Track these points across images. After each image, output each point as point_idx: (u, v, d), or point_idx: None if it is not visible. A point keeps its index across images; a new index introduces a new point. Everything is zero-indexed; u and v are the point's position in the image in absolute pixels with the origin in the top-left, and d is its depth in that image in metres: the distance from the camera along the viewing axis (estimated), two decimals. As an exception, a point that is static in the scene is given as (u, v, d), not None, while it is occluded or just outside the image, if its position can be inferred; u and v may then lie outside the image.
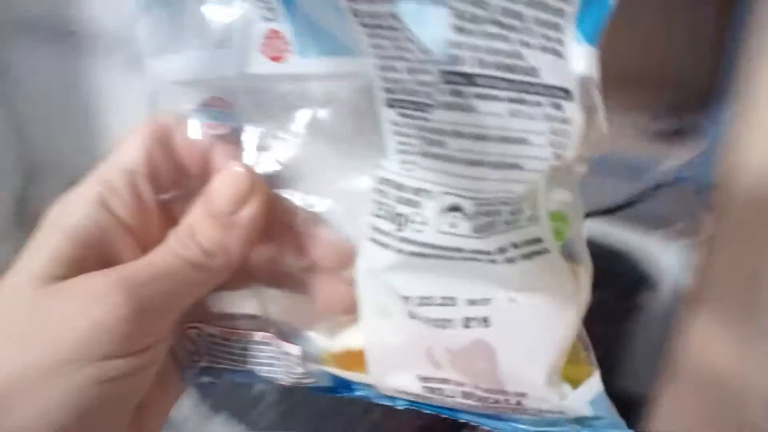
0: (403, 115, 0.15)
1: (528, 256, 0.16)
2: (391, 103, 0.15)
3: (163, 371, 0.19)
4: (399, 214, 0.16)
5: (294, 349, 0.19)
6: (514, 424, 0.18)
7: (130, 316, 0.16)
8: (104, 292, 0.16)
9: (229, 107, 0.18)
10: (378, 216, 0.16)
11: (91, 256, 0.17)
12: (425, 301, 0.16)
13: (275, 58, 0.16)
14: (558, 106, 0.14)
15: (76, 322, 0.16)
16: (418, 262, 0.16)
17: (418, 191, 0.15)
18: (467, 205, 0.15)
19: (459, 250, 0.15)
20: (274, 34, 0.16)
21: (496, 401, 0.17)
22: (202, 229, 0.18)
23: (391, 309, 0.17)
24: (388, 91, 0.15)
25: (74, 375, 0.16)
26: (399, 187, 0.16)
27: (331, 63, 0.16)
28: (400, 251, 0.16)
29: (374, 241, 0.16)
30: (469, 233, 0.15)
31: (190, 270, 0.17)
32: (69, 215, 0.17)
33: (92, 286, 0.17)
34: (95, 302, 0.16)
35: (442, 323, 0.16)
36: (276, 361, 0.20)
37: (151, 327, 0.17)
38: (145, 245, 0.18)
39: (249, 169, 0.18)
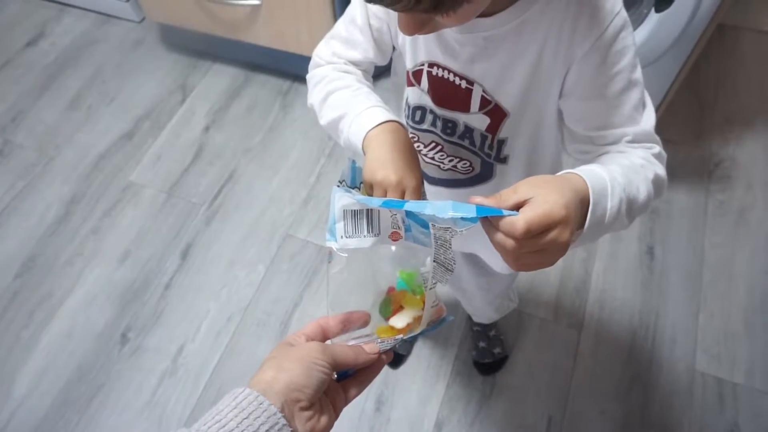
0: (436, 262, 0.49)
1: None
2: (434, 259, 0.49)
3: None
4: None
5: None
6: None
7: (326, 358, 0.46)
8: (318, 347, 0.47)
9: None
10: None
11: (309, 339, 0.49)
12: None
13: (395, 240, 0.49)
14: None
15: (310, 353, 0.46)
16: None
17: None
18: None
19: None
20: (395, 234, 0.49)
21: None
22: (355, 349, 0.50)
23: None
24: (435, 258, 0.48)
25: (311, 367, 0.45)
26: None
27: (416, 245, 0.49)
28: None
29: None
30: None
31: (351, 354, 0.49)
32: (302, 330, 0.50)
33: (313, 345, 0.47)
34: (314, 347, 0.47)
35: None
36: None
37: (332, 362, 0.47)
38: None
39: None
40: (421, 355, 1.43)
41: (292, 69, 1.95)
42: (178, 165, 1.78)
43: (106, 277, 1.56)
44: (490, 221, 0.45)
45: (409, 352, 1.43)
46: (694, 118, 1.87)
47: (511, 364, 1.41)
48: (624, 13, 0.58)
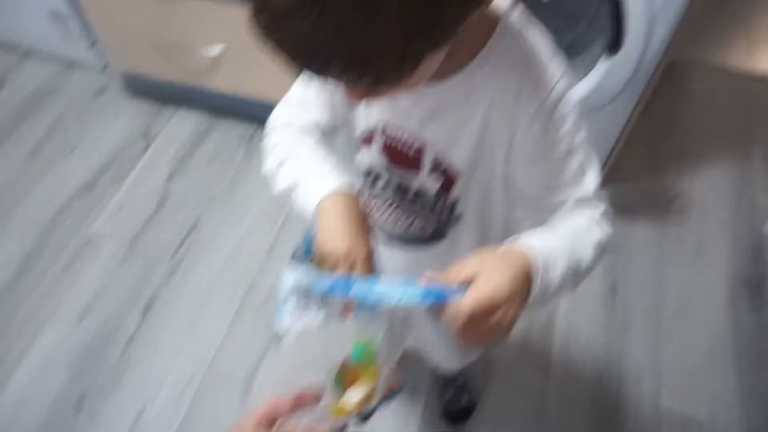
0: (388, 335, 0.49)
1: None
2: (386, 332, 0.49)
3: None
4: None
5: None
6: None
7: None
8: None
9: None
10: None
11: (261, 422, 0.48)
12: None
13: (346, 315, 0.49)
14: None
15: None
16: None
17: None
18: None
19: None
20: (346, 309, 0.49)
21: None
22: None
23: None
24: (387, 331, 0.49)
25: None
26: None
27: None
28: None
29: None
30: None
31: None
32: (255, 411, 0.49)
33: None
34: None
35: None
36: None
37: None
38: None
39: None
40: (389, 405, 1.41)
41: (256, 113, 1.95)
42: (140, 216, 1.76)
43: (63, 339, 1.50)
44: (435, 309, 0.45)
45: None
46: (648, 155, 1.93)
47: (480, 410, 1.40)
48: (566, 78, 0.60)
